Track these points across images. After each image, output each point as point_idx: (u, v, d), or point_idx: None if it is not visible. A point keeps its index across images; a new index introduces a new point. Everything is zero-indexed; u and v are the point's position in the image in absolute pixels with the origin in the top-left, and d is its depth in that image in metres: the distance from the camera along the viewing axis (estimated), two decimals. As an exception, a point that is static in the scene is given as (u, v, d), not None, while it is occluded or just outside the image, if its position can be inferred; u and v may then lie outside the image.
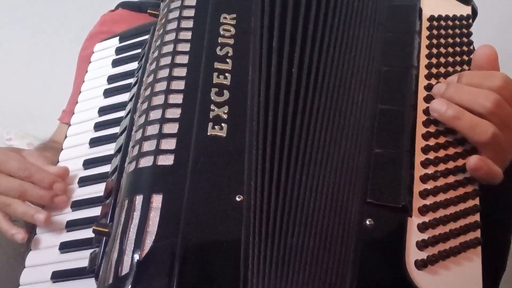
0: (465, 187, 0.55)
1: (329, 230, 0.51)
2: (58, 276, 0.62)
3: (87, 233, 0.62)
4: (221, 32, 0.60)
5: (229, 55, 0.58)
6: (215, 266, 0.48)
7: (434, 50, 0.62)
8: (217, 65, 0.58)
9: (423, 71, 0.60)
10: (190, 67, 0.58)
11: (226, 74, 0.57)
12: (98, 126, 0.72)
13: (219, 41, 0.59)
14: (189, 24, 0.61)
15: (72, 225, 0.65)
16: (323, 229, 0.51)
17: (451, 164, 0.55)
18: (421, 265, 0.50)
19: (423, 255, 0.51)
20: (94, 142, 0.71)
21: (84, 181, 0.68)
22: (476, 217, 0.54)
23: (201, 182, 0.51)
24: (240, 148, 0.53)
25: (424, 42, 0.62)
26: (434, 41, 0.62)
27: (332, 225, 0.51)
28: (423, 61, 0.61)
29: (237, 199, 0.51)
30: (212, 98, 0.56)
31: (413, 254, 0.51)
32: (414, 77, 0.59)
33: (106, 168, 0.66)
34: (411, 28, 0.62)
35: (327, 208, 0.52)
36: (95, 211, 0.64)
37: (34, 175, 0.67)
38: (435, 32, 0.63)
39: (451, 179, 0.55)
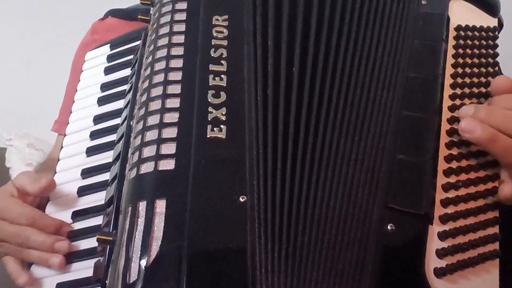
0: (486, 198, 0.55)
1: (344, 230, 0.51)
2: (63, 287, 0.62)
3: (90, 243, 0.62)
4: (214, 34, 0.60)
5: (223, 56, 0.58)
6: (222, 268, 0.48)
7: (460, 60, 0.62)
8: (212, 67, 0.58)
9: (448, 80, 0.60)
10: (185, 70, 0.58)
11: (222, 76, 0.57)
12: (94, 135, 0.72)
13: (213, 43, 0.59)
14: (182, 27, 0.61)
15: (74, 236, 0.65)
16: (334, 228, 0.51)
17: (472, 175, 0.56)
18: (440, 273, 0.50)
19: (442, 263, 0.51)
20: (91, 151, 0.70)
21: (84, 191, 0.68)
22: (496, 229, 0.54)
23: (203, 184, 0.51)
24: (241, 148, 0.53)
25: (451, 51, 0.62)
26: (461, 51, 0.62)
27: (347, 226, 0.51)
28: (449, 70, 0.61)
29: (241, 199, 0.51)
30: (209, 100, 0.56)
31: (432, 262, 0.51)
32: (440, 85, 0.59)
33: (105, 177, 0.66)
34: (438, 36, 0.62)
35: (339, 207, 0.52)
36: (97, 221, 0.63)
37: (38, 222, 0.64)
38: (461, 42, 0.63)
39: (472, 189, 0.55)
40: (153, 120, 0.55)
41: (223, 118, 0.55)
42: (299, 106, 0.57)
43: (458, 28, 0.64)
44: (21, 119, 1.80)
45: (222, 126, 0.54)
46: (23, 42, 1.86)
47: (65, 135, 0.75)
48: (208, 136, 0.54)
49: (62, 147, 0.74)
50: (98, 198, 0.65)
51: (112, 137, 0.69)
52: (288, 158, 0.54)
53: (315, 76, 0.58)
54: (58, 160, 0.73)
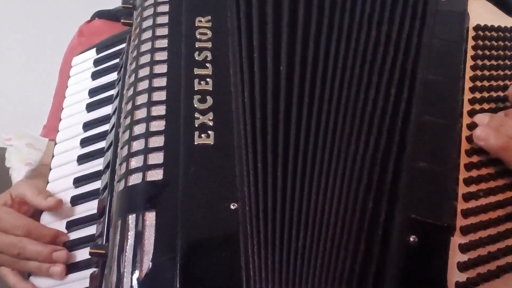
0: (505, 208, 0.53)
1: (342, 237, 0.49)
2: (60, 300, 0.62)
3: (86, 253, 0.62)
4: (198, 36, 0.58)
5: (208, 59, 0.57)
6: (216, 279, 0.48)
7: (480, 62, 0.59)
8: (197, 71, 0.56)
9: (467, 83, 0.58)
10: (169, 76, 0.56)
11: (207, 80, 0.56)
12: (85, 142, 0.71)
13: (197, 46, 0.58)
14: (164, 31, 0.59)
15: (70, 246, 0.64)
16: (330, 235, 0.50)
17: (492, 184, 0.54)
18: (462, 287, 0.49)
19: (463, 277, 0.49)
20: (82, 159, 0.70)
21: (77, 200, 0.67)
22: None
23: (193, 194, 0.50)
24: (230, 154, 0.52)
25: (470, 52, 0.59)
26: (480, 52, 0.60)
27: (344, 233, 0.50)
28: (468, 73, 0.58)
29: (232, 207, 0.50)
30: (196, 105, 0.54)
31: (454, 275, 0.49)
32: (461, 88, 0.57)
33: (97, 185, 0.65)
34: (458, 36, 0.59)
35: (335, 212, 0.50)
36: (92, 230, 0.63)
37: (33, 232, 0.63)
38: (480, 42, 0.60)
39: (492, 199, 0.53)
40: (139, 129, 0.54)
41: (211, 123, 0.54)
42: (288, 106, 0.55)
43: (477, 28, 0.61)
44: (20, 119, 1.81)
45: (209, 132, 0.53)
46: (23, 42, 1.85)
47: (55, 143, 0.74)
48: (195, 143, 0.53)
49: (53, 155, 0.73)
50: (92, 207, 0.64)
51: (103, 144, 0.68)
52: (279, 162, 0.53)
53: (304, 75, 0.56)
54: (50, 169, 0.72)
